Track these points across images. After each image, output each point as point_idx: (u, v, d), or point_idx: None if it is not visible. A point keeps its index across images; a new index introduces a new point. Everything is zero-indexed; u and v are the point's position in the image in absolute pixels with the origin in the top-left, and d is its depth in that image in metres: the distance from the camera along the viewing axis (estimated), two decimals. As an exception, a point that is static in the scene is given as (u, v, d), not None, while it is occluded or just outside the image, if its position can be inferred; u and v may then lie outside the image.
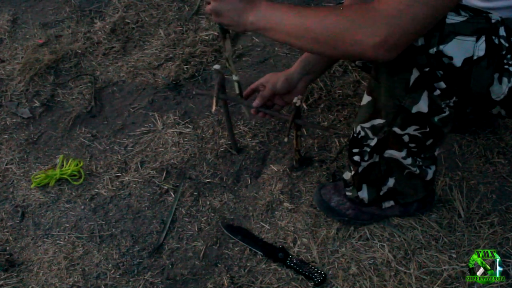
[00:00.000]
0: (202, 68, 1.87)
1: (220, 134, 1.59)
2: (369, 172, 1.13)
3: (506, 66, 0.87)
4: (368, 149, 1.08)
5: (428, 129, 1.00)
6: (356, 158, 1.12)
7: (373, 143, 1.06)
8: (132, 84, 1.85)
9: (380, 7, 0.79)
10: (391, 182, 1.15)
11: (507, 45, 0.86)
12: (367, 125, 1.04)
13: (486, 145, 1.43)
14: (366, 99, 1.02)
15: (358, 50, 0.82)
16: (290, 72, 1.28)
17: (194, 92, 1.76)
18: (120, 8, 2.21)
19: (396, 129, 1.01)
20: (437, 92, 0.92)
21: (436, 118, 0.97)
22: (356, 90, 1.66)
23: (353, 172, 1.17)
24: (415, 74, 0.90)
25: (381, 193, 1.19)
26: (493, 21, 0.86)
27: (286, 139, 1.44)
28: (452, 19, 0.84)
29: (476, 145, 1.43)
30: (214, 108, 1.31)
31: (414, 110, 0.95)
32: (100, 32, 2.10)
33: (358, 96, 1.64)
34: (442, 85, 0.90)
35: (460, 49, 0.84)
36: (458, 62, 0.85)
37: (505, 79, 0.88)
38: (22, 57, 2.01)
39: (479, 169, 1.38)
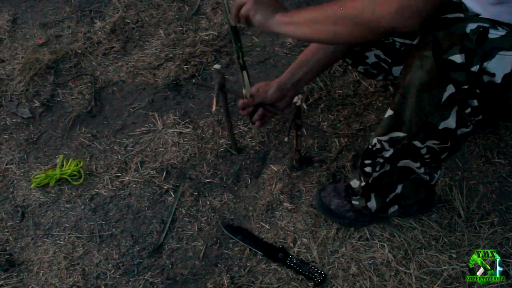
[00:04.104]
0: (202, 68, 1.87)
1: (220, 134, 1.59)
2: (379, 181, 1.13)
3: None
4: (381, 160, 1.07)
5: (448, 144, 0.99)
6: (368, 169, 1.11)
7: (388, 154, 1.05)
8: (132, 84, 1.85)
9: None
10: (399, 188, 1.15)
11: None
12: (384, 138, 1.02)
13: (486, 145, 1.43)
14: (388, 113, 1.00)
15: (378, 22, 0.83)
16: (282, 82, 1.27)
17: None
18: (120, 8, 2.21)
19: (416, 143, 0.99)
20: (468, 110, 0.91)
21: (458, 132, 0.96)
22: (356, 90, 1.66)
23: (363, 183, 1.17)
24: (449, 91, 0.88)
25: (387, 200, 1.19)
26: None
27: (286, 139, 1.44)
28: (494, 33, 0.82)
29: (476, 145, 1.43)
30: (214, 108, 1.31)
31: (441, 126, 0.94)
32: (100, 32, 2.09)
33: (358, 96, 1.64)
34: (475, 103, 0.89)
35: (501, 65, 0.83)
36: (498, 78, 0.83)
37: None
38: (22, 57, 2.01)
39: (479, 169, 1.38)
